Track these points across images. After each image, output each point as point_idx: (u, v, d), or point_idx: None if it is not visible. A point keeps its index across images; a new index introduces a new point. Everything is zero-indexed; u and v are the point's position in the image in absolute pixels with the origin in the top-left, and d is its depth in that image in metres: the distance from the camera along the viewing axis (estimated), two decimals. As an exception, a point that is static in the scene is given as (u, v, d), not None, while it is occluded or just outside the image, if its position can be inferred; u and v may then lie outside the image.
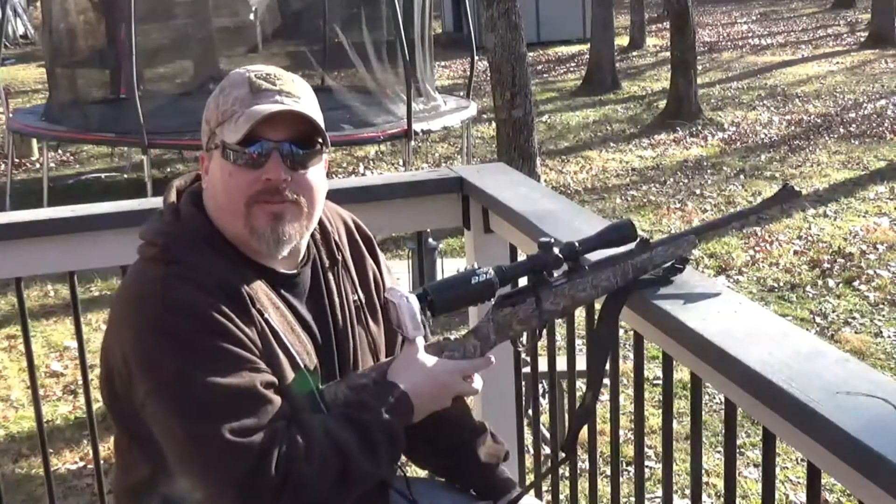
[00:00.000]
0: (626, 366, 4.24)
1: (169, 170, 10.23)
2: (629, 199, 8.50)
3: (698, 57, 12.80)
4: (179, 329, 1.45)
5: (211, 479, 1.43)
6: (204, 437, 1.41)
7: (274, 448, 1.42)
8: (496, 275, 1.59)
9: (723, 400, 1.62)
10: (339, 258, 1.71)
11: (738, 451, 3.08)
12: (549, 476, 2.37)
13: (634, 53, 17.52)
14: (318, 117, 1.57)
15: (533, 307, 1.61)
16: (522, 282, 1.67)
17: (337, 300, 1.68)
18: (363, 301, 1.73)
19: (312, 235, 1.66)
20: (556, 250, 1.62)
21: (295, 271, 1.64)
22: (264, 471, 1.41)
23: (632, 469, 3.66)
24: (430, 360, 1.58)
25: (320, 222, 1.68)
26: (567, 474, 2.43)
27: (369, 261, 1.79)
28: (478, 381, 1.63)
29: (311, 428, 1.47)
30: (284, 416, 1.47)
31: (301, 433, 1.46)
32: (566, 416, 2.89)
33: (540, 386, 3.84)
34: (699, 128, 11.15)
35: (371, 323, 1.73)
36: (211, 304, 1.47)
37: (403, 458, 1.80)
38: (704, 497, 3.66)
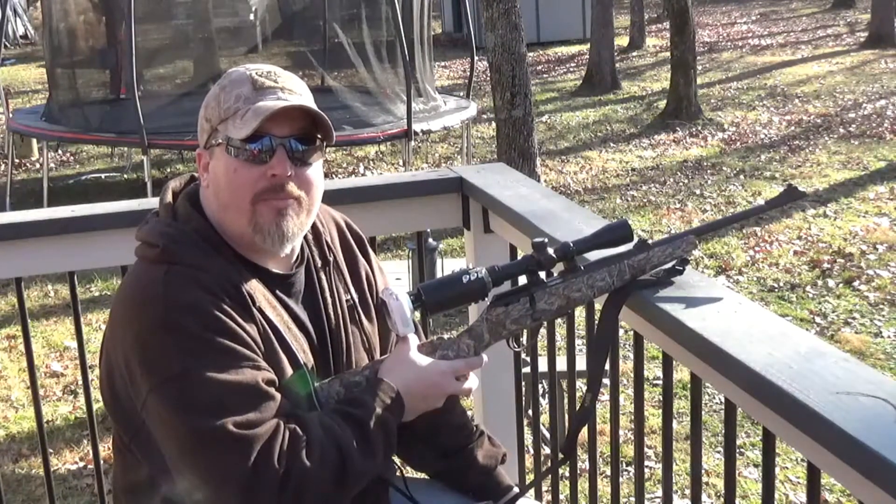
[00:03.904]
0: (626, 366, 4.24)
1: (169, 170, 10.23)
2: (629, 199, 8.50)
3: (698, 57, 12.81)
4: (183, 328, 1.45)
5: (214, 473, 1.43)
6: (208, 432, 1.41)
7: (276, 442, 1.43)
8: (489, 275, 1.60)
9: (723, 400, 1.62)
10: (331, 259, 1.72)
11: (738, 451, 3.08)
12: (549, 476, 2.37)
13: (634, 53, 17.53)
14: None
15: (527, 307, 1.62)
16: (523, 281, 1.67)
17: (330, 300, 1.69)
18: (356, 300, 1.73)
19: (305, 236, 1.67)
20: (550, 250, 1.62)
21: (290, 272, 1.64)
22: (267, 465, 1.41)
23: (632, 469, 3.66)
24: (421, 360, 1.59)
25: (312, 224, 1.68)
26: (567, 474, 2.43)
27: (361, 260, 1.80)
28: (473, 381, 1.64)
29: (309, 424, 1.48)
30: (285, 413, 1.48)
31: (300, 429, 1.47)
32: (566, 416, 2.89)
33: (540, 386, 3.84)
34: (699, 128, 11.16)
35: (365, 321, 1.74)
36: (213, 303, 1.48)
37: (400, 461, 1.81)
38: (704, 497, 3.67)
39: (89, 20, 10.10)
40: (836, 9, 22.53)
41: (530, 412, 3.00)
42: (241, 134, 1.52)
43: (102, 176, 10.26)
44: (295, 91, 1.57)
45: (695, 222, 7.63)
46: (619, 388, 2.07)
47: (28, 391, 4.74)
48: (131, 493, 1.62)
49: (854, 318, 5.57)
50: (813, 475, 1.41)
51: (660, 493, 2.04)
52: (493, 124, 8.89)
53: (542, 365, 2.60)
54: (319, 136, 1.59)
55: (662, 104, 12.09)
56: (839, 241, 6.91)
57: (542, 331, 2.29)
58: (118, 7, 9.05)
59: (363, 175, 9.65)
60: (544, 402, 4.13)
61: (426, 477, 1.88)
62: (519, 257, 2.09)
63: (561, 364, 2.49)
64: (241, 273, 1.55)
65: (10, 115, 10.00)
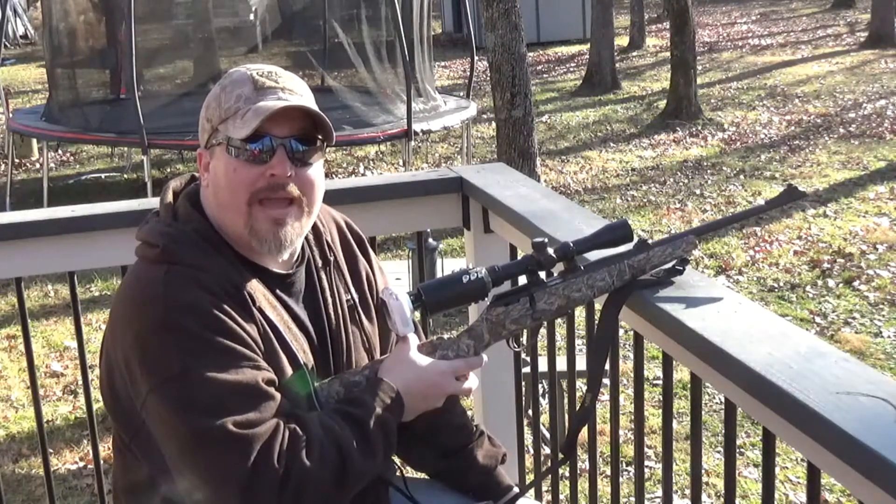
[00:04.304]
0: (626, 366, 4.24)
1: (169, 170, 10.23)
2: (629, 199, 8.50)
3: (698, 57, 12.80)
4: (183, 328, 1.46)
5: (214, 473, 1.43)
6: (207, 431, 1.42)
7: (276, 442, 1.43)
8: (489, 275, 1.60)
9: (723, 400, 1.62)
10: (332, 259, 1.72)
11: (738, 451, 3.08)
12: (549, 476, 2.37)
13: (634, 53, 17.53)
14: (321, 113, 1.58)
15: (527, 307, 1.62)
16: (523, 281, 1.67)
17: (330, 300, 1.69)
18: (356, 300, 1.74)
19: (305, 236, 1.67)
20: (549, 250, 1.62)
21: (290, 272, 1.65)
22: (267, 464, 1.41)
23: (632, 469, 3.66)
24: (422, 360, 1.59)
25: (313, 223, 1.68)
26: (567, 474, 2.43)
27: (361, 260, 1.80)
28: (472, 380, 1.64)
29: (309, 424, 1.48)
30: (284, 413, 1.48)
31: (300, 429, 1.47)
32: (566, 416, 2.89)
33: (540, 386, 3.84)
34: (699, 128, 11.15)
35: (365, 321, 1.74)
36: (213, 303, 1.48)
37: (400, 461, 1.81)
38: (704, 497, 3.67)
39: (89, 20, 10.10)
40: (836, 9, 22.51)
41: (530, 412, 3.00)
42: (241, 134, 1.52)
43: (102, 176, 10.26)
44: (296, 91, 1.57)
45: (695, 222, 7.62)
46: (619, 388, 2.07)
47: (28, 391, 4.74)
48: (131, 492, 1.62)
49: (854, 318, 5.57)
50: (813, 475, 1.41)
51: (660, 493, 2.04)
52: (493, 124, 8.89)
53: (542, 365, 2.60)
54: (320, 136, 1.59)
55: (662, 104, 12.09)
56: (839, 241, 6.91)
57: (542, 331, 2.29)
58: (118, 7, 9.05)
59: (363, 175, 9.65)
60: (544, 402, 4.13)
61: (426, 477, 1.88)
62: (519, 257, 2.09)
63: (561, 364, 2.49)
64: (241, 273, 1.56)
65: (10, 115, 9.99)
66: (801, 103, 12.38)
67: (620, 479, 2.07)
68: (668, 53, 12.88)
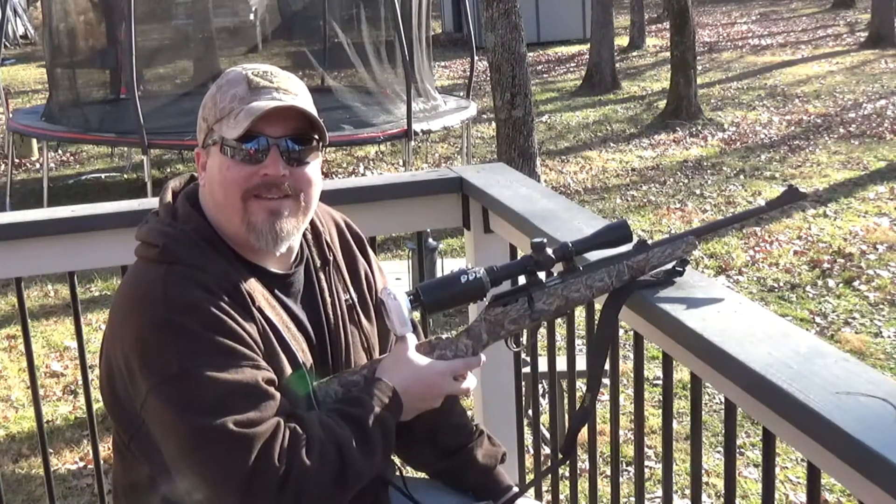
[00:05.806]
0: (626, 366, 4.24)
1: (169, 170, 10.23)
2: (629, 199, 8.50)
3: (698, 57, 12.81)
4: (183, 327, 1.46)
5: (214, 473, 1.43)
6: (208, 431, 1.41)
7: (276, 441, 1.43)
8: (487, 275, 1.60)
9: (723, 400, 1.62)
10: (331, 258, 1.72)
11: (738, 451, 3.09)
12: (549, 476, 2.37)
13: (634, 53, 17.54)
14: (315, 113, 1.58)
15: (525, 307, 1.62)
16: (523, 281, 1.67)
17: (329, 300, 1.69)
18: (355, 300, 1.74)
19: (304, 236, 1.67)
20: (548, 251, 1.62)
21: (289, 272, 1.65)
22: (267, 464, 1.41)
23: (632, 469, 3.66)
24: (419, 360, 1.59)
25: (312, 223, 1.69)
26: (567, 474, 2.43)
27: (361, 260, 1.80)
28: (471, 380, 1.64)
29: (309, 423, 1.49)
30: (284, 412, 1.49)
31: (300, 428, 1.47)
32: (566, 416, 2.89)
33: (540, 386, 3.84)
34: (699, 128, 11.15)
35: (364, 321, 1.74)
36: (213, 303, 1.48)
37: (400, 460, 1.81)
38: (704, 497, 3.67)
39: (89, 20, 10.10)
40: (836, 9, 22.52)
41: (530, 412, 3.01)
42: (234, 134, 1.52)
43: (102, 176, 10.26)
44: (291, 91, 1.57)
45: (695, 222, 7.63)
46: (619, 388, 2.07)
47: (28, 391, 4.74)
48: (131, 492, 1.62)
49: (854, 318, 5.57)
50: (813, 475, 1.41)
51: (660, 493, 2.04)
52: (493, 124, 8.89)
53: (542, 365, 2.60)
54: (316, 136, 1.59)
55: (662, 104, 12.09)
56: (839, 241, 6.91)
57: (542, 331, 2.29)
58: (118, 7, 9.05)
59: (363, 175, 9.65)
60: (544, 402, 4.13)
61: (426, 477, 1.88)
62: (518, 257, 2.09)
63: (561, 364, 2.49)
64: (240, 273, 1.56)
65: (10, 115, 9.99)
66: (801, 103, 12.39)
67: (620, 479, 2.07)
68: (668, 53, 12.89)
